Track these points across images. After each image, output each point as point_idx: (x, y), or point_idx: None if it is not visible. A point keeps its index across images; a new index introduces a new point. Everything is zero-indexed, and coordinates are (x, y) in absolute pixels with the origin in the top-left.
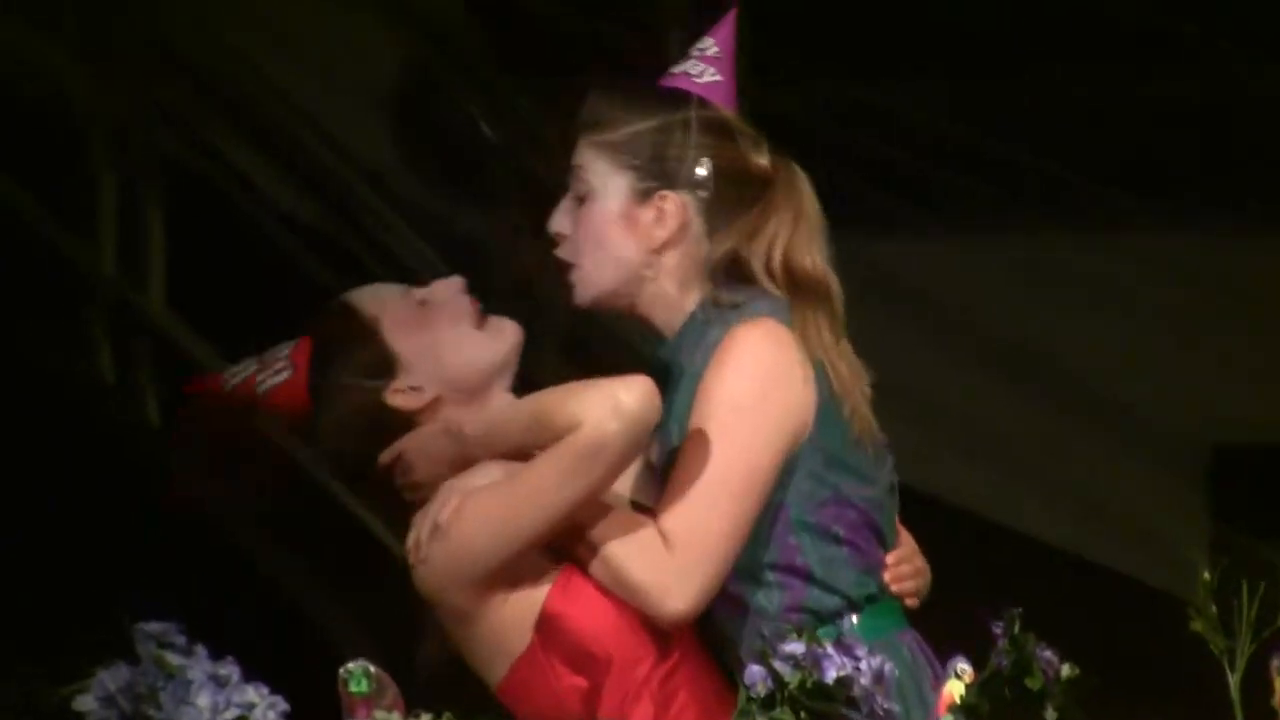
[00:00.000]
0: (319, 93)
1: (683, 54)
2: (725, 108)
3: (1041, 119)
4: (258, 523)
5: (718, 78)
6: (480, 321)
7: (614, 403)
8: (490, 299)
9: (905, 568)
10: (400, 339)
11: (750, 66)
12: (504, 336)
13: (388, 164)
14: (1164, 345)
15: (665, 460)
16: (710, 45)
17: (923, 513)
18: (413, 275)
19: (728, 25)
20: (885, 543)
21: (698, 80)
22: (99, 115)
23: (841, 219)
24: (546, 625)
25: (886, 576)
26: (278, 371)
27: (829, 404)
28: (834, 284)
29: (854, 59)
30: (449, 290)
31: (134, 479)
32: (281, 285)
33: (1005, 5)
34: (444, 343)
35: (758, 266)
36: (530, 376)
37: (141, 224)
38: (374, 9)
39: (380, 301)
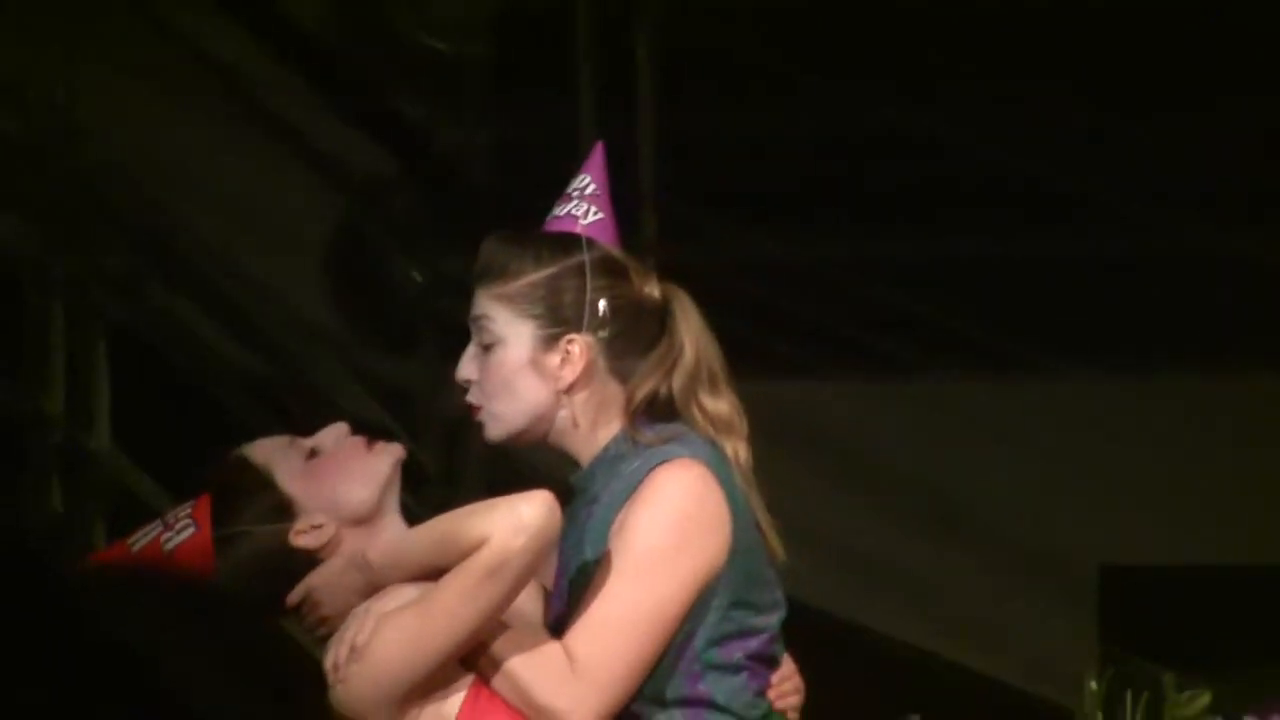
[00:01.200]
0: (256, 250)
1: (562, 193)
2: (612, 245)
3: (938, 272)
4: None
5: (600, 215)
6: (369, 447)
7: (517, 518)
8: (418, 436)
9: (787, 685)
10: (294, 484)
11: (659, 221)
12: (387, 455)
13: (321, 314)
14: (1055, 478)
15: (574, 576)
16: (588, 182)
17: (823, 633)
18: (346, 415)
19: (598, 158)
20: (776, 664)
21: (583, 221)
22: (48, 275)
23: (744, 362)
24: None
25: (771, 694)
26: (181, 530)
27: (749, 540)
28: (742, 416)
29: (758, 214)
30: (335, 435)
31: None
32: (217, 425)
33: (909, 164)
34: (336, 480)
35: (681, 403)
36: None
37: (87, 369)
38: (312, 172)
39: (269, 451)
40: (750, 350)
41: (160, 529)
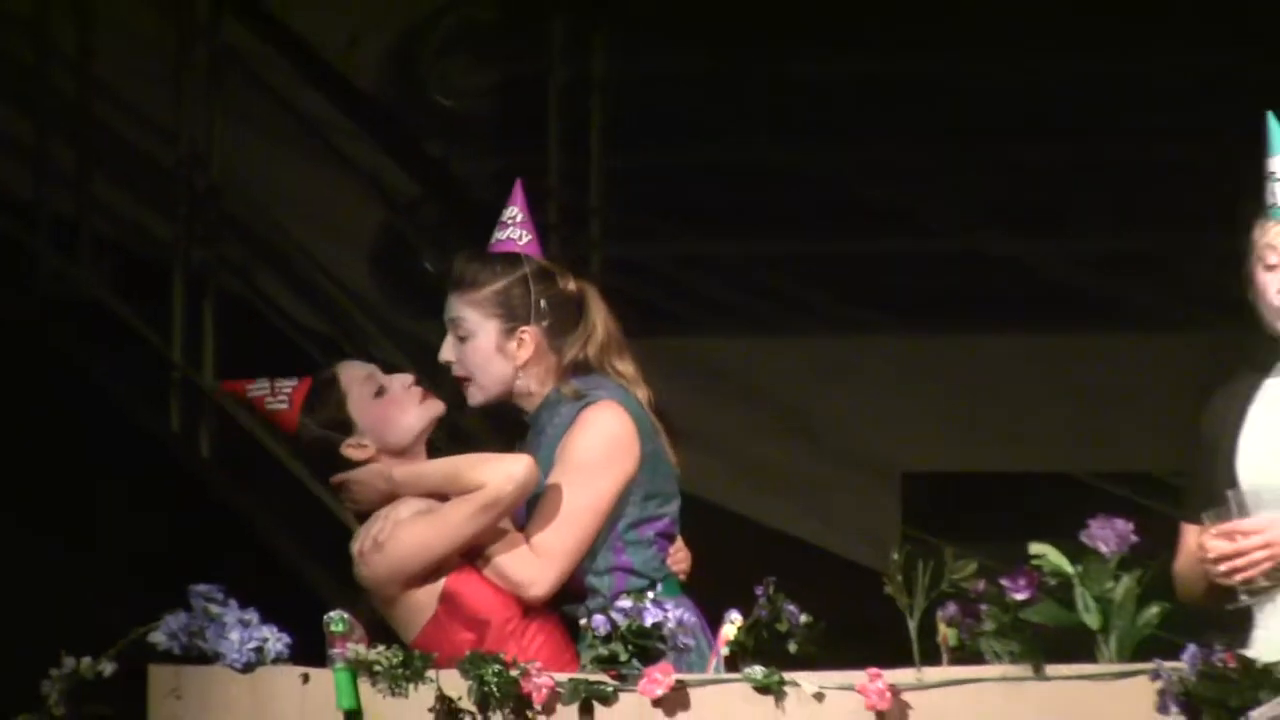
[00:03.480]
0: (325, 243)
1: (499, 220)
2: (540, 257)
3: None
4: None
5: (530, 237)
6: (424, 397)
7: (509, 471)
8: (441, 385)
9: (680, 554)
10: (359, 410)
11: (606, 225)
12: (430, 410)
13: (370, 290)
14: (885, 408)
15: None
16: (516, 212)
17: (708, 517)
18: (386, 367)
19: (519, 193)
20: (674, 539)
21: (520, 243)
22: (186, 260)
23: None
24: (447, 600)
25: (669, 561)
26: (279, 400)
27: (653, 452)
28: (638, 367)
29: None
30: (402, 382)
31: (192, 495)
32: (295, 370)
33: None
34: (389, 418)
35: (596, 364)
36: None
37: (199, 327)
38: (359, 184)
39: (353, 377)
40: (665, 313)
41: (269, 390)
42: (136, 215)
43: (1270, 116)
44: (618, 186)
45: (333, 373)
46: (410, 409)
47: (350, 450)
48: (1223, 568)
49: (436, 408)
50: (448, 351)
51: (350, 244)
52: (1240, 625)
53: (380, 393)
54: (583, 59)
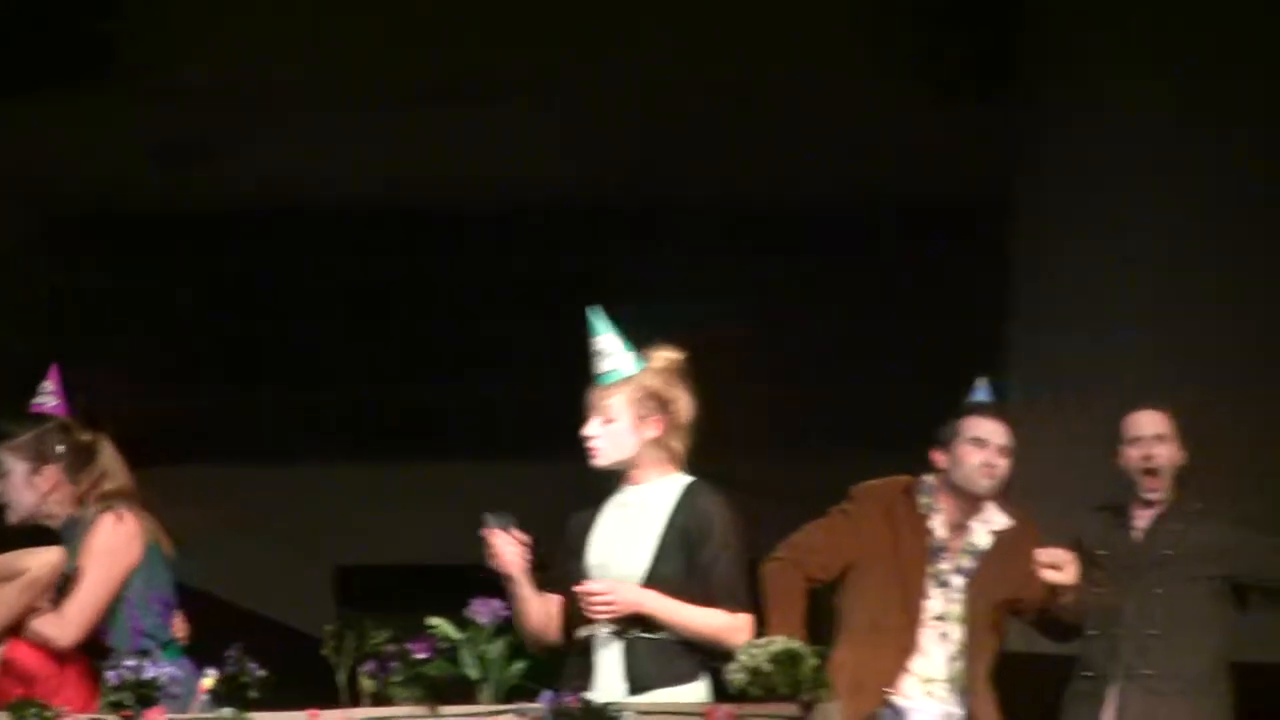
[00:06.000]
0: None
1: (41, 392)
2: (64, 414)
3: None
4: None
5: (58, 401)
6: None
7: (46, 559)
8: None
9: (179, 623)
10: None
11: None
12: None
13: None
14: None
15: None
16: (49, 385)
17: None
18: None
19: (54, 373)
20: (174, 609)
21: (52, 406)
22: None
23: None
24: (3, 664)
25: (173, 629)
26: None
27: (153, 546)
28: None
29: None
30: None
31: None
32: None
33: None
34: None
35: (106, 488)
36: None
37: None
38: None
39: None
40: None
41: None
42: None
43: (594, 312)
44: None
45: None
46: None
47: None
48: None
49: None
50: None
51: None
52: (583, 677)
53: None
54: None
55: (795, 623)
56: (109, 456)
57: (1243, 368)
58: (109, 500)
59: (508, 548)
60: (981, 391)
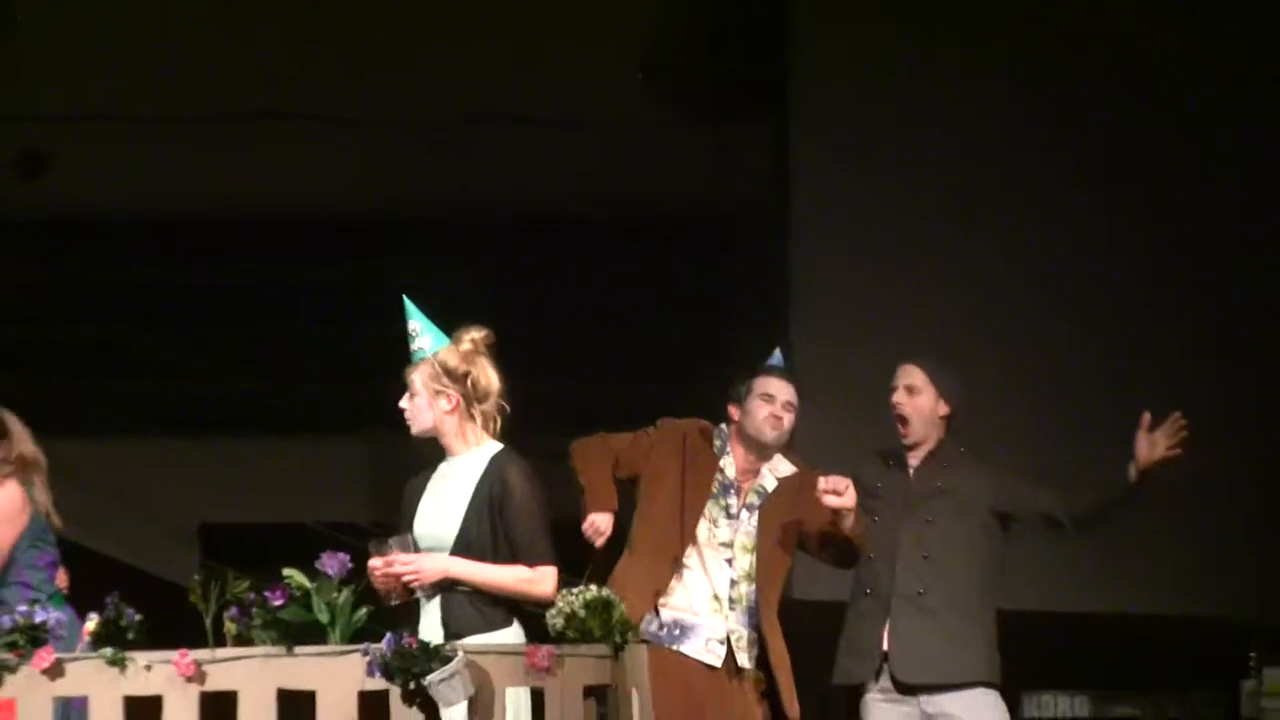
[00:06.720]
0: None
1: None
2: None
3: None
4: None
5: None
6: None
7: None
8: None
9: (61, 578)
10: None
11: None
12: None
13: None
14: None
15: None
16: None
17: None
18: None
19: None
20: (58, 566)
21: None
22: None
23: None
24: None
25: (57, 581)
26: None
27: (36, 514)
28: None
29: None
30: None
31: None
32: None
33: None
34: None
35: (32, 467)
36: None
37: None
38: None
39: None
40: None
41: None
42: None
43: (406, 299)
44: None
45: None
46: None
47: None
48: (378, 576)
49: None
50: None
51: None
52: (414, 619)
53: None
54: None
55: (605, 474)
56: (22, 437)
57: (1012, 359)
58: (13, 467)
59: (380, 577)
60: (775, 357)
